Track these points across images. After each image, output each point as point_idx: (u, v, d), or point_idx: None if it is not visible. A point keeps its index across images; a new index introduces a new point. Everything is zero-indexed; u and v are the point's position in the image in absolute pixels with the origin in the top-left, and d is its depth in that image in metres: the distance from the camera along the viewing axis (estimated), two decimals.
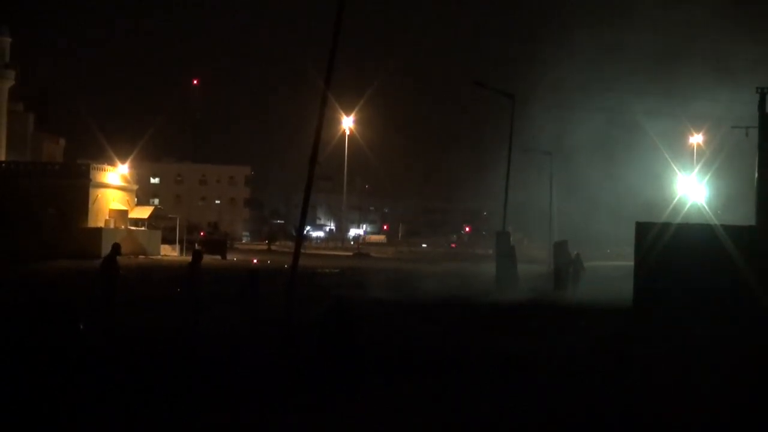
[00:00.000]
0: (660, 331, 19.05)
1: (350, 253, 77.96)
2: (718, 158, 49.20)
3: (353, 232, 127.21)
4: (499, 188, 39.09)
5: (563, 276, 32.24)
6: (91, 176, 58.48)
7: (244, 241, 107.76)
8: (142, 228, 61.85)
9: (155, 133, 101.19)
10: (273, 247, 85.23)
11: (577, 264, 31.99)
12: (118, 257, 17.44)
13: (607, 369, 14.11)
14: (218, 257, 55.54)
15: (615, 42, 62.21)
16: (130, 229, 59.57)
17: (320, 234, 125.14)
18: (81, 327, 14.57)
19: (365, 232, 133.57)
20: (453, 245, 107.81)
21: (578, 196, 70.10)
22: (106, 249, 52.13)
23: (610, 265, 54.55)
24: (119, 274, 17.15)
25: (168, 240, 61.58)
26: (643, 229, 22.64)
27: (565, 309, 25.09)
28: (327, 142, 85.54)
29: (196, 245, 58.05)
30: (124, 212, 60.95)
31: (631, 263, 23.23)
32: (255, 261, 55.53)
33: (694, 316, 20.13)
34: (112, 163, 61.88)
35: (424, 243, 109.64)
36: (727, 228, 22.16)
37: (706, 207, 44.51)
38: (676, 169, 54.97)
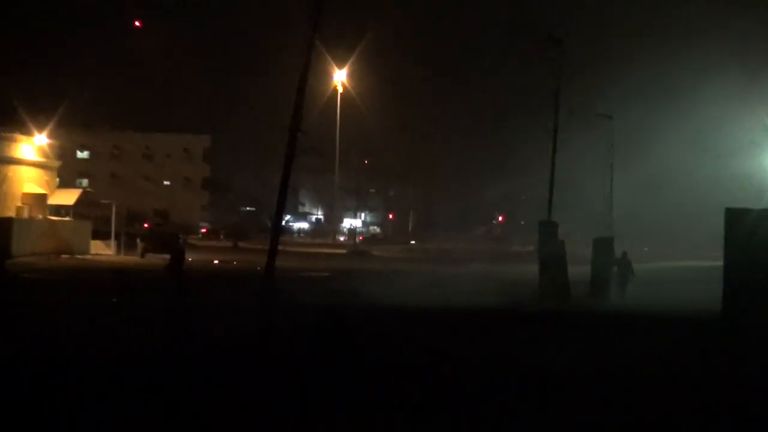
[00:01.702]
0: (754, 351, 19.14)
1: (344, 251, 78.11)
2: None
3: (348, 223, 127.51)
4: (543, 165, 39.11)
5: (603, 280, 33.33)
6: None
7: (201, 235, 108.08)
8: (67, 218, 62.02)
9: (85, 93, 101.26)
10: (240, 244, 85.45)
11: (624, 265, 33.28)
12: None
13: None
14: (168, 257, 55.80)
15: None
16: (50, 220, 59.74)
17: (304, 225, 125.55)
18: None
19: (364, 222, 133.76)
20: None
21: (655, 186, 71.09)
22: (18, 245, 52.80)
23: (692, 266, 54.71)
24: None
25: (101, 234, 61.69)
26: (735, 218, 22.75)
27: (599, 320, 25.92)
28: (314, 104, 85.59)
29: (139, 240, 58.51)
30: (42, 197, 61.12)
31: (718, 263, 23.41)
32: (216, 262, 55.72)
33: None
34: (26, 133, 62.06)
35: (443, 236, 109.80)
36: None
37: None
38: None
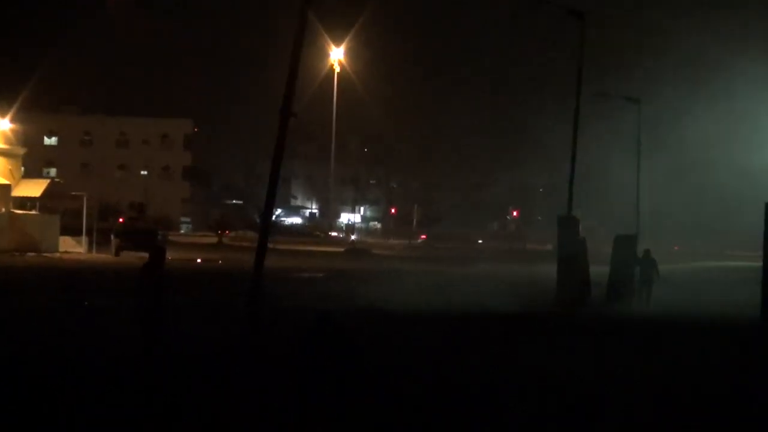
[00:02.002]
0: None
1: (341, 249, 78.13)
2: None
3: (346, 218, 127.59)
4: (562, 154, 38.98)
5: (622, 282, 33.16)
6: None
7: (183, 231, 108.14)
8: (33, 212, 61.97)
9: (54, 72, 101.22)
10: (226, 240, 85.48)
11: (647, 266, 32.97)
12: None
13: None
14: (145, 255, 55.75)
15: None
16: (13, 213, 59.69)
17: (297, 220, 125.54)
18: None
19: (363, 217, 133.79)
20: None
21: (688, 178, 71.30)
22: None
23: (729, 266, 54.69)
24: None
25: (70, 229, 61.63)
26: None
27: (617, 326, 26.12)
28: (309, 86, 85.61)
29: (113, 236, 58.41)
30: (5, 188, 61.06)
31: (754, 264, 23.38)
32: (199, 260, 55.69)
33: None
34: None
35: (451, 233, 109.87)
36: None
37: None
38: None
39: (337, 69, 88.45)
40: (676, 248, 60.29)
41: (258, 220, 71.93)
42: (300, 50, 19.28)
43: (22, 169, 65.96)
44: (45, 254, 55.23)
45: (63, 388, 14.75)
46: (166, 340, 16.73)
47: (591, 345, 21.96)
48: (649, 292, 33.05)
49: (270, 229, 21.26)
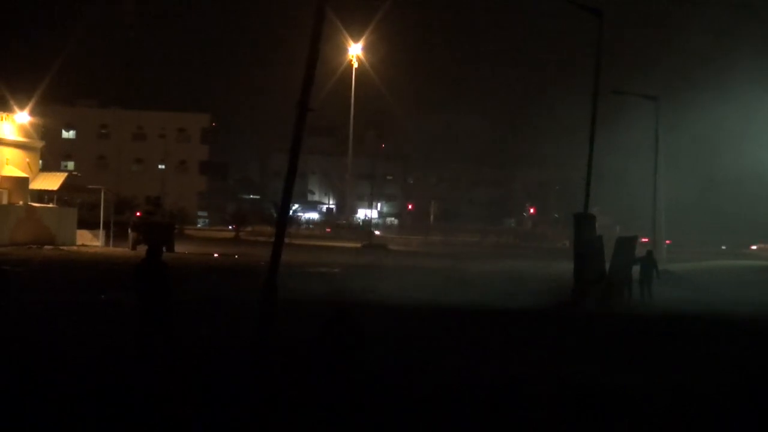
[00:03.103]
0: None
1: (358, 245, 78.09)
2: None
3: (363, 213, 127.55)
4: (580, 152, 38.95)
5: (620, 280, 34.16)
6: None
7: (200, 225, 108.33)
8: (50, 204, 62.16)
9: (72, 65, 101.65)
10: (242, 235, 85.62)
11: (647, 265, 34.61)
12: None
13: None
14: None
15: None
16: (31, 206, 59.88)
17: (314, 216, 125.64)
18: None
19: (380, 213, 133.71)
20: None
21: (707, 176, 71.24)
22: None
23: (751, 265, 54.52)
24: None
25: (88, 223, 61.83)
26: None
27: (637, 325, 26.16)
28: (327, 81, 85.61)
29: (131, 230, 58.51)
30: (23, 181, 61.24)
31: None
32: (216, 255, 55.78)
33: None
34: (5, 110, 62.18)
35: (468, 229, 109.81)
36: None
37: None
38: None
39: (355, 65, 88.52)
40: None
41: (274, 215, 72.13)
42: (318, 44, 19.26)
43: (40, 162, 66.13)
44: (62, 247, 55.36)
45: (58, 384, 14.79)
46: (171, 337, 16.65)
47: (607, 342, 21.98)
48: (650, 288, 34.59)
49: (286, 224, 21.28)
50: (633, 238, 37.48)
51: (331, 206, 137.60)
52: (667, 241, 58.75)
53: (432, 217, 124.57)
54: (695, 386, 16.32)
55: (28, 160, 62.59)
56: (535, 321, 26.35)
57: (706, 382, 16.82)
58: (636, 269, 35.19)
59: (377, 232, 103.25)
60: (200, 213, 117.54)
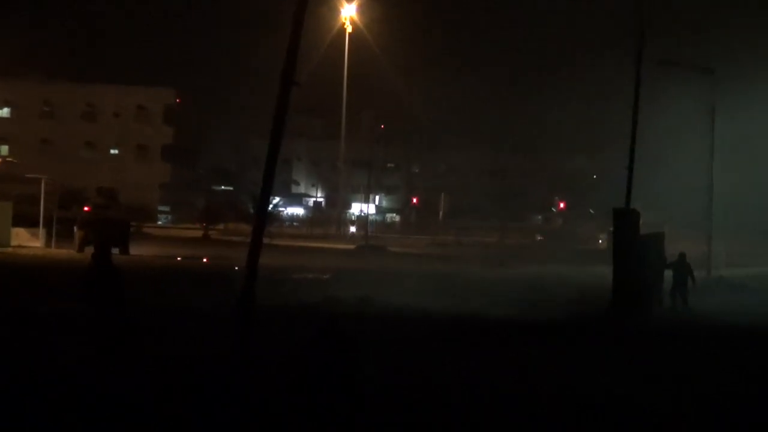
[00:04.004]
0: None
1: (351, 246, 78.12)
2: None
3: (358, 208, 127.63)
4: (619, 135, 38.87)
5: (648, 287, 33.70)
6: None
7: (162, 223, 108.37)
8: None
9: (11, 32, 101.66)
10: (213, 234, 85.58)
11: (680, 270, 34.85)
12: None
13: None
14: (115, 250, 55.70)
15: None
16: None
17: (299, 211, 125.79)
18: None
19: (378, 208, 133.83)
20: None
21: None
22: None
23: None
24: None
25: (26, 219, 61.65)
26: None
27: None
28: (315, 50, 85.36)
29: (77, 228, 58.33)
30: None
31: None
32: (180, 258, 55.67)
33: None
34: None
35: (484, 227, 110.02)
36: None
37: None
38: None
39: (349, 29, 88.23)
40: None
41: (252, 210, 72.05)
42: (305, 3, 19.08)
43: None
44: None
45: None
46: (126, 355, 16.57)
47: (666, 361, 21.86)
48: (685, 298, 34.95)
49: (266, 220, 21.10)
50: (658, 235, 37.23)
51: (320, 199, 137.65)
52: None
53: (441, 213, 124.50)
54: None
55: None
56: (555, 336, 26.27)
57: None
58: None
59: (352, 229, 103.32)
60: (162, 208, 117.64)
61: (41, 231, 60.66)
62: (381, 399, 16.19)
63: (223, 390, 16.60)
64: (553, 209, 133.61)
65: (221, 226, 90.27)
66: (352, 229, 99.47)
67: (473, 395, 17.23)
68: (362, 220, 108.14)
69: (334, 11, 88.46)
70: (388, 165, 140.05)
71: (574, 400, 17.14)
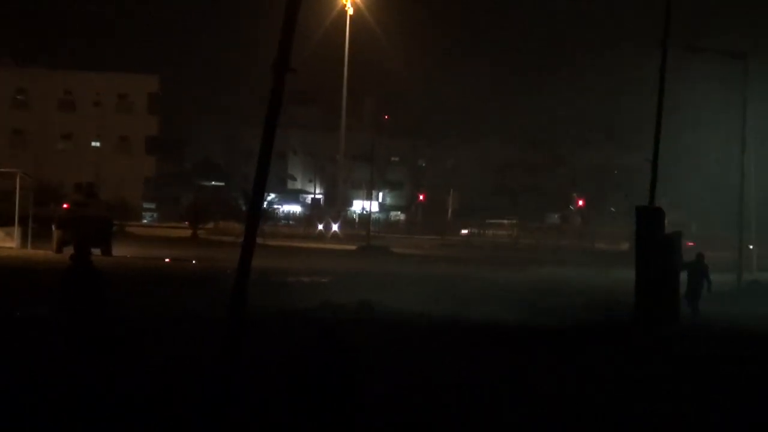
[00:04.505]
0: None
1: (353, 247, 78.09)
2: None
3: (359, 206, 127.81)
4: (643, 126, 39.01)
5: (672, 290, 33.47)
6: None
7: (146, 221, 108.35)
8: None
9: None
10: (202, 233, 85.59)
11: (696, 273, 34.60)
12: None
13: None
14: (97, 251, 55.80)
15: None
16: None
17: (296, 209, 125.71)
18: None
19: (382, 205, 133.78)
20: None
21: None
22: None
23: None
24: None
25: None
26: None
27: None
28: (313, 34, 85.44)
29: (55, 227, 58.58)
30: None
31: None
32: (168, 260, 55.76)
33: None
34: None
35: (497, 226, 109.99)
36: None
37: None
38: None
39: (350, 11, 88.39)
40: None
41: (244, 207, 71.98)
42: None
43: None
44: None
45: None
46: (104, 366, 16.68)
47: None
48: (696, 305, 34.64)
49: (260, 219, 21.32)
50: (677, 236, 36.69)
51: (318, 196, 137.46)
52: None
53: (450, 211, 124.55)
54: None
55: None
56: (561, 345, 26.40)
57: None
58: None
59: (334, 227, 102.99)
60: (147, 205, 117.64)
61: (16, 230, 60.65)
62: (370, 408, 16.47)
63: (208, 398, 16.84)
64: (571, 207, 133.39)
65: (210, 225, 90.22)
66: (335, 227, 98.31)
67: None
68: (364, 218, 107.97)
69: None
70: (392, 159, 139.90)
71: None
